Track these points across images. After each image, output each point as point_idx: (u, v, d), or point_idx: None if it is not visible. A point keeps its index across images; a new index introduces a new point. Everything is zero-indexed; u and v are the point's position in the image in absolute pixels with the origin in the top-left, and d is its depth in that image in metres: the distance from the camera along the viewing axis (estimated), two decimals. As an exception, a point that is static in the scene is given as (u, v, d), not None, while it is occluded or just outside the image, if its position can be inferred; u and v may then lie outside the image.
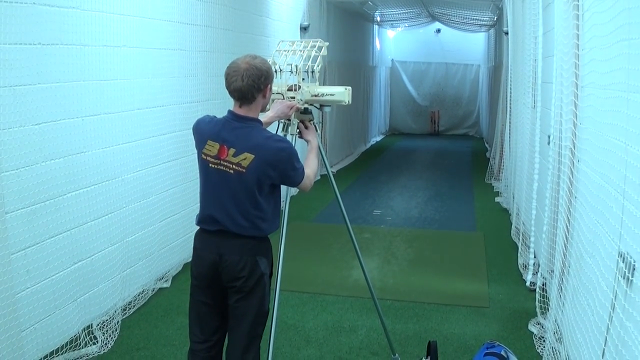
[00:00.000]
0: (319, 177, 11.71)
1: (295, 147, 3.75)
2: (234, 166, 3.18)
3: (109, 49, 4.95)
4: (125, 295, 5.39)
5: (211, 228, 3.30)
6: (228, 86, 3.19)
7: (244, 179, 3.19)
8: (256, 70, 3.17)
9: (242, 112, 3.25)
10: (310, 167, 3.56)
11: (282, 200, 3.50)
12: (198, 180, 3.35)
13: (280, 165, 3.22)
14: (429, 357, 4.20)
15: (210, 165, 3.24)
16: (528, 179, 6.67)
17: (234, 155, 3.18)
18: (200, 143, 3.31)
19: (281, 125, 3.93)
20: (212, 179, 3.27)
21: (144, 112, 5.57)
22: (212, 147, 3.24)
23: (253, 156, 3.16)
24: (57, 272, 4.51)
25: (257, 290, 3.30)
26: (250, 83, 3.16)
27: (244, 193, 3.21)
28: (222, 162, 3.20)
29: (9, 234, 3.95)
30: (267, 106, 3.52)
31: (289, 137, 3.88)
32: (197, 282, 3.40)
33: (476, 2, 13.07)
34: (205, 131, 3.31)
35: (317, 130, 4.03)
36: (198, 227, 3.40)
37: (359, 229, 8.08)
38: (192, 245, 3.40)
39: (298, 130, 3.87)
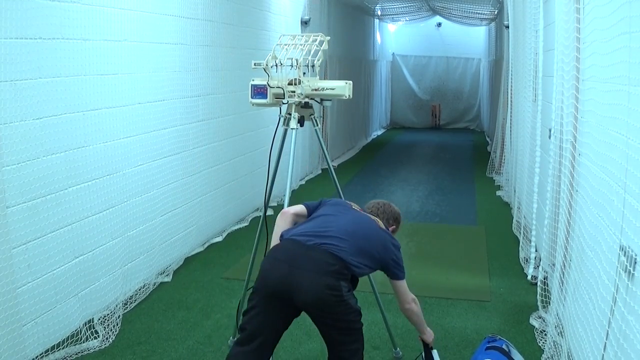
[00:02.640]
0: (319, 172, 11.74)
1: (296, 140, 3.75)
2: None
3: (109, 44, 4.95)
4: (126, 289, 5.39)
5: None
6: None
7: None
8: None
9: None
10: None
11: (282, 193, 3.51)
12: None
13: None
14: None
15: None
16: (529, 172, 6.67)
17: None
18: None
19: (282, 119, 3.95)
20: None
21: (145, 106, 5.56)
22: None
23: None
24: (58, 267, 4.51)
25: None
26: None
27: None
28: None
29: (10, 229, 3.95)
30: None
31: (289, 132, 3.89)
32: None
33: (477, -5, 13.08)
34: None
35: (317, 125, 4.03)
36: None
37: (360, 223, 8.05)
38: None
39: (299, 123, 3.87)
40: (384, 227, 3.60)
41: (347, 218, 3.50)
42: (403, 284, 3.60)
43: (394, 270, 3.54)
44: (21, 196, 4.07)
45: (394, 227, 3.84)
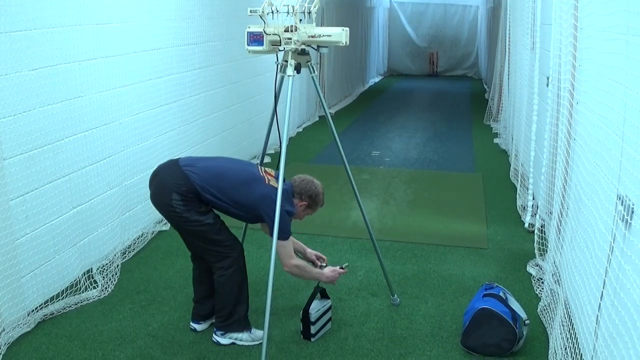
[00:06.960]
0: (317, 119, 11.72)
1: (293, 87, 3.72)
2: None
3: (103, -8, 4.89)
4: (124, 238, 5.42)
5: None
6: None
7: None
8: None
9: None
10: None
11: (277, 142, 3.52)
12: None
13: None
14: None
15: None
16: (527, 120, 6.66)
17: None
18: None
19: (278, 67, 3.93)
20: None
21: (141, 55, 5.51)
22: None
23: None
24: (56, 217, 4.52)
25: None
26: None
27: None
28: None
29: (7, 180, 3.95)
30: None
31: (285, 79, 3.88)
32: None
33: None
34: None
35: (314, 72, 4.01)
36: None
37: (357, 170, 8.09)
38: None
39: (296, 70, 3.86)
40: (274, 185, 3.81)
41: (225, 164, 3.98)
42: (281, 246, 3.77)
43: (270, 225, 3.74)
44: (18, 148, 4.06)
45: (305, 203, 4.05)
